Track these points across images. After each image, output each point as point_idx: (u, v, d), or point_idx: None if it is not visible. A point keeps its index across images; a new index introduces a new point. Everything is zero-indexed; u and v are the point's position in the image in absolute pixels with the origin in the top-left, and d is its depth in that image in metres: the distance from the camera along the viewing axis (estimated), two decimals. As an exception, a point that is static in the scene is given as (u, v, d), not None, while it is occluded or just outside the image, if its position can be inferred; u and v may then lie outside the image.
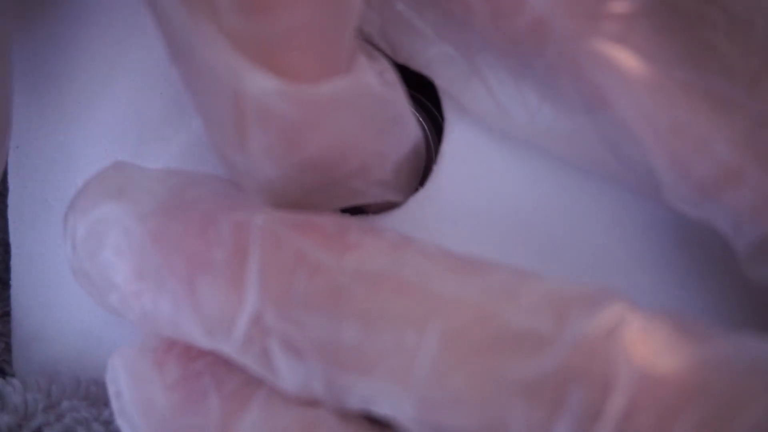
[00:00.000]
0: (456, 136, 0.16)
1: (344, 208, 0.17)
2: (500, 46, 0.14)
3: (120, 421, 0.13)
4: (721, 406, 0.11)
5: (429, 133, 0.18)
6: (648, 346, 0.11)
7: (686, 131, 0.12)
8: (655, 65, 0.13)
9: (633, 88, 0.13)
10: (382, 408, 0.12)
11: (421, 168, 0.17)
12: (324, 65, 0.12)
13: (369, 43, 0.16)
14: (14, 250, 0.18)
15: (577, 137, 0.14)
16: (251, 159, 0.12)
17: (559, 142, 0.15)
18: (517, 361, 0.11)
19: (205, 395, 0.13)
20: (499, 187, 0.16)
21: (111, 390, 0.14)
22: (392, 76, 0.14)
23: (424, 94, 0.18)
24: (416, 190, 0.17)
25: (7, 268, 0.19)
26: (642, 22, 0.13)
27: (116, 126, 0.18)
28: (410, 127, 0.14)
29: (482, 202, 0.16)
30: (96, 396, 0.17)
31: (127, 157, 0.18)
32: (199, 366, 0.13)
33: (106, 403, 0.17)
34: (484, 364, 0.11)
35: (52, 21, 0.18)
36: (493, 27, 0.14)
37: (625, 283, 0.16)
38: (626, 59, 0.13)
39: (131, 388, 0.13)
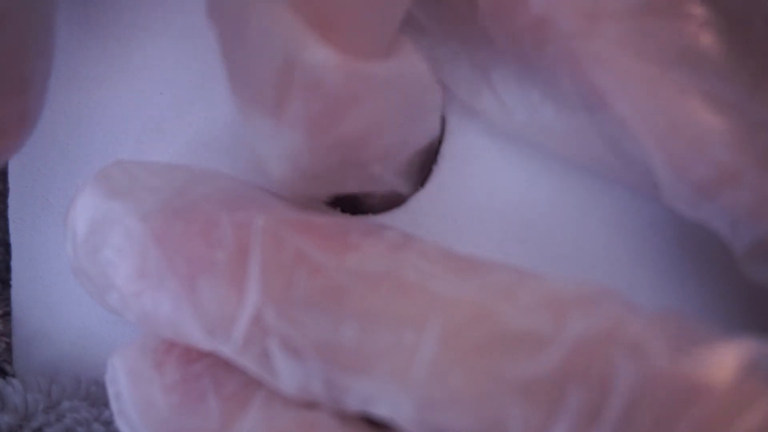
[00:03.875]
0: (456, 136, 0.16)
1: (345, 208, 0.17)
2: (502, 43, 0.14)
3: (119, 422, 0.13)
4: (720, 408, 0.11)
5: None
6: (647, 347, 0.11)
7: (684, 132, 0.12)
8: (653, 66, 0.13)
9: (631, 88, 0.13)
10: (381, 409, 0.12)
11: (427, 165, 0.17)
12: (377, 43, 0.12)
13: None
14: (14, 250, 0.18)
15: (577, 135, 0.14)
16: (284, 126, 0.12)
17: (559, 139, 0.15)
18: (516, 360, 0.11)
19: (204, 397, 0.13)
20: (500, 186, 0.16)
21: (111, 390, 0.14)
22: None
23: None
24: (417, 189, 0.17)
25: (7, 268, 0.19)
26: (641, 22, 0.13)
27: (116, 126, 0.18)
28: (436, 120, 0.14)
29: (482, 202, 0.16)
30: (96, 396, 0.17)
31: (128, 156, 0.18)
32: (198, 368, 0.13)
33: (106, 404, 0.17)
34: (482, 364, 0.11)
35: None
36: (495, 25, 0.14)
37: (625, 283, 0.16)
38: (625, 59, 0.13)
39: (131, 389, 0.13)
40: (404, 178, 0.15)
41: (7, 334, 0.19)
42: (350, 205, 0.17)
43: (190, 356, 0.14)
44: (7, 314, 0.19)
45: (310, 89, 0.11)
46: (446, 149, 0.16)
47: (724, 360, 0.11)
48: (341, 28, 0.11)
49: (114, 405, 0.14)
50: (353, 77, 0.11)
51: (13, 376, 0.18)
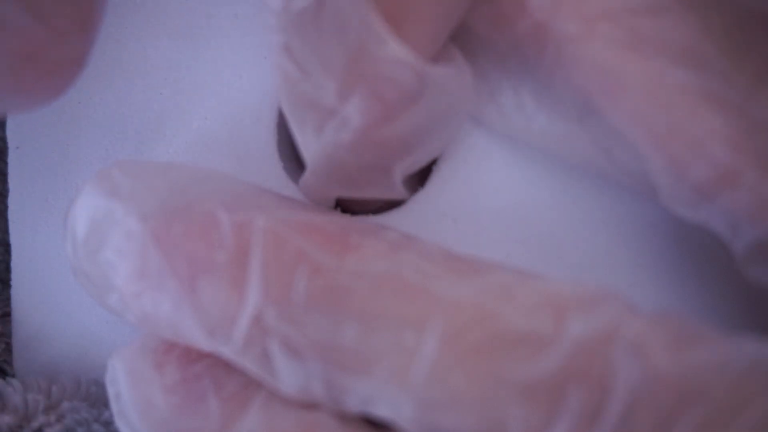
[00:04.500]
0: (456, 137, 0.16)
1: (345, 208, 0.17)
2: (500, 49, 0.14)
3: (119, 423, 0.13)
4: (720, 408, 0.11)
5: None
6: (647, 347, 0.11)
7: (683, 133, 0.12)
8: (652, 67, 0.13)
9: (630, 89, 0.13)
10: (381, 409, 0.12)
11: (427, 166, 0.17)
12: (438, 45, 0.12)
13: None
14: (14, 250, 0.18)
15: (571, 142, 0.14)
16: (341, 116, 0.12)
17: (557, 144, 0.15)
18: (517, 361, 0.11)
19: (204, 398, 0.13)
20: (500, 186, 0.16)
21: (110, 391, 0.14)
22: None
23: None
24: (417, 190, 0.17)
25: (7, 268, 0.19)
26: (639, 24, 0.13)
27: (116, 126, 0.18)
28: (460, 129, 0.14)
29: (482, 203, 0.16)
30: (96, 397, 0.17)
31: (128, 157, 0.18)
32: (198, 368, 0.13)
33: (106, 404, 0.17)
34: (483, 365, 0.11)
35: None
36: (494, 31, 0.14)
37: (625, 283, 0.16)
38: (624, 60, 0.13)
39: (131, 390, 0.13)
40: (408, 187, 0.15)
41: (7, 334, 0.19)
42: (350, 205, 0.17)
43: (190, 357, 0.14)
44: (7, 314, 0.19)
45: (380, 83, 0.11)
46: (446, 150, 0.16)
47: (724, 360, 0.11)
48: (412, 25, 0.11)
49: (114, 406, 0.14)
50: (420, 77, 0.11)
51: (13, 376, 0.18)
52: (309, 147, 0.13)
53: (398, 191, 0.14)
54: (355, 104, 0.12)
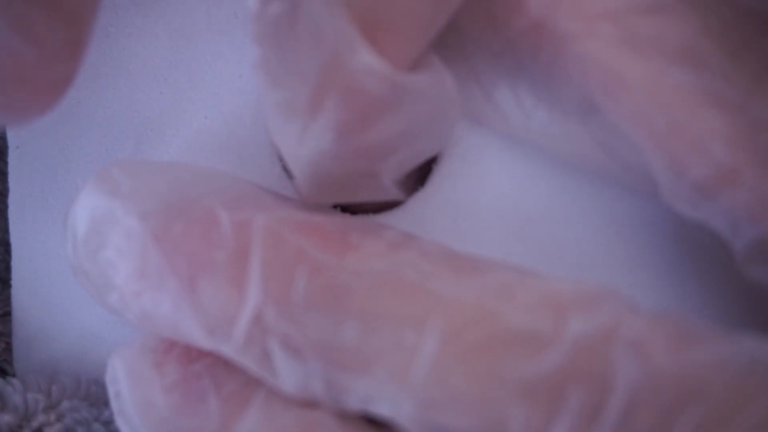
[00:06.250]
0: (456, 136, 0.16)
1: (344, 207, 0.17)
2: (497, 48, 0.14)
3: (119, 422, 0.13)
4: (720, 407, 0.11)
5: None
6: (647, 346, 0.11)
7: (683, 132, 0.12)
8: (652, 66, 0.13)
9: (630, 89, 0.13)
10: (381, 408, 0.12)
11: (427, 165, 0.17)
12: (416, 54, 0.12)
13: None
14: (15, 250, 0.18)
15: (571, 139, 0.14)
16: (317, 125, 0.12)
17: (555, 143, 0.15)
18: (517, 360, 0.11)
19: (204, 397, 0.13)
20: (499, 186, 0.16)
21: (111, 391, 0.14)
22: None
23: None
24: (416, 189, 0.17)
25: (7, 268, 0.19)
26: (639, 23, 0.13)
27: (116, 126, 0.18)
28: (451, 134, 0.15)
29: (482, 202, 0.16)
30: (96, 396, 0.17)
31: (128, 156, 0.18)
32: (198, 367, 0.13)
33: (106, 404, 0.17)
34: (483, 364, 0.11)
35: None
36: (492, 30, 0.14)
37: (625, 282, 0.16)
38: (624, 60, 0.13)
39: (131, 389, 0.13)
40: (403, 188, 0.15)
41: (8, 334, 0.19)
42: (349, 204, 0.17)
43: (190, 356, 0.14)
44: (7, 314, 0.19)
45: (351, 93, 0.11)
46: (446, 150, 0.16)
47: (724, 359, 0.11)
48: (388, 34, 0.11)
49: (114, 405, 0.14)
50: (394, 87, 0.12)
51: (14, 376, 0.18)
52: (292, 157, 0.13)
53: (391, 193, 0.14)
54: (328, 114, 0.12)
